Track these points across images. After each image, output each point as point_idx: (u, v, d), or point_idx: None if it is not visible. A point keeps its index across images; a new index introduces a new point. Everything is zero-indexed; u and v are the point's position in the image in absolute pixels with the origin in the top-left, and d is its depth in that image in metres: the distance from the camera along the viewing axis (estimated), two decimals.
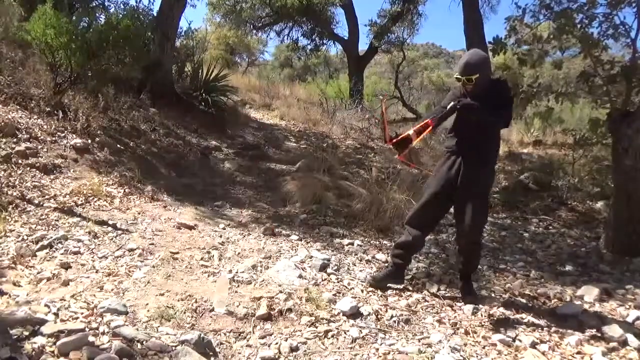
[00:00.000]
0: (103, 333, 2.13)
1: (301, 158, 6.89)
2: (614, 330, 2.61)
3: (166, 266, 3.10)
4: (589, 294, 3.21)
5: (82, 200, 4.04)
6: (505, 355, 2.40)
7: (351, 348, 2.35)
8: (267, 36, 17.80)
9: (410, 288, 3.21)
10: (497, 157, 3.09)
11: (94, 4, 8.72)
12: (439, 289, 3.21)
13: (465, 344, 2.46)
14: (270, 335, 2.42)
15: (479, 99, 2.81)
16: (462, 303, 2.99)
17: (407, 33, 15.14)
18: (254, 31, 16.62)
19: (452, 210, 3.11)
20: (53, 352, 1.93)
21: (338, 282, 3.15)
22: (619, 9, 4.47)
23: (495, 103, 2.77)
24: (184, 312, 2.51)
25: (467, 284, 3.11)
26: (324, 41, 16.07)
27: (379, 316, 2.70)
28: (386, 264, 3.46)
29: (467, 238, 2.96)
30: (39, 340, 1.96)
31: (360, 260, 3.63)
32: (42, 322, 2.10)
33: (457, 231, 3.11)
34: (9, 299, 2.36)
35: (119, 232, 3.57)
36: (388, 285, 3.13)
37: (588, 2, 4.47)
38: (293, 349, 2.29)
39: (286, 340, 2.35)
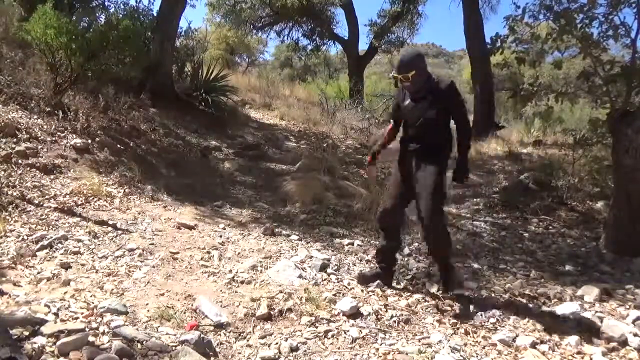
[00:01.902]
0: (103, 333, 2.13)
1: (301, 158, 6.88)
2: (614, 330, 2.61)
3: (166, 266, 3.11)
4: (589, 294, 3.20)
5: (82, 200, 4.04)
6: (505, 355, 2.40)
7: (351, 348, 2.35)
8: (267, 36, 17.83)
9: (410, 288, 3.21)
10: (450, 151, 3.04)
11: (94, 4, 8.73)
12: (439, 289, 3.20)
13: (465, 344, 2.46)
14: (270, 335, 2.42)
15: (420, 96, 2.88)
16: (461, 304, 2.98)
17: (407, 33, 15.17)
18: (254, 31, 16.62)
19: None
20: (53, 352, 1.92)
21: (338, 282, 3.15)
22: (619, 10, 4.47)
23: (445, 106, 2.85)
24: (184, 312, 2.51)
25: (446, 275, 3.05)
26: (324, 41, 16.08)
27: (379, 316, 2.69)
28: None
29: (426, 221, 2.88)
30: (39, 340, 1.96)
31: (360, 260, 3.63)
32: (42, 322, 2.10)
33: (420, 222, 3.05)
34: (9, 299, 2.36)
35: (119, 232, 3.57)
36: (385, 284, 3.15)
37: (588, 2, 4.46)
38: (293, 349, 2.29)
39: (286, 340, 2.35)
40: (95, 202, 4.11)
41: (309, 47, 16.31)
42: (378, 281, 3.13)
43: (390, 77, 2.98)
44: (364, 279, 3.15)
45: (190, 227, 3.97)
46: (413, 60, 2.83)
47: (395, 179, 3.11)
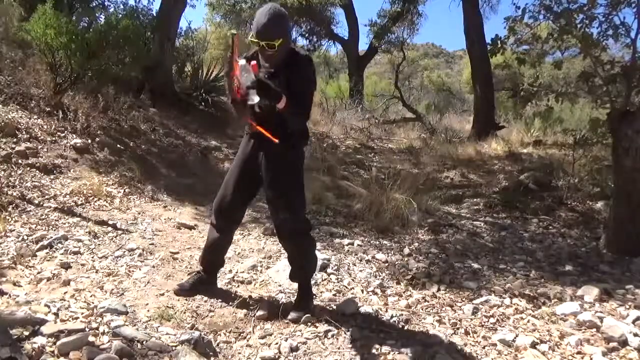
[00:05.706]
0: (103, 333, 2.13)
1: None
2: (614, 330, 2.61)
3: (166, 266, 3.11)
4: (589, 294, 3.20)
5: (82, 200, 4.05)
6: (505, 355, 2.40)
7: (351, 348, 2.35)
8: None
9: (411, 288, 3.21)
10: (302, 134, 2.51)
11: (94, 4, 8.73)
12: (439, 289, 3.20)
13: (465, 344, 2.46)
14: (270, 335, 2.42)
15: (278, 72, 2.26)
16: (462, 303, 2.98)
17: (407, 33, 15.22)
18: None
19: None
20: (53, 352, 1.92)
21: (338, 282, 3.15)
22: (619, 9, 4.47)
23: (294, 83, 2.22)
24: (184, 312, 2.51)
25: (301, 291, 2.66)
26: (323, 42, 16.11)
27: (379, 316, 2.70)
28: (387, 263, 3.45)
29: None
30: (39, 340, 1.96)
31: (360, 260, 3.63)
32: (42, 322, 2.10)
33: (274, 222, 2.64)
34: (9, 299, 2.36)
35: (119, 232, 3.57)
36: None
37: (588, 2, 4.46)
38: (293, 349, 2.28)
39: (286, 340, 2.35)
40: (95, 202, 4.11)
41: (306, 47, 16.32)
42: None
43: (248, 41, 2.29)
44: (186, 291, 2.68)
45: (190, 227, 3.97)
46: (282, 25, 2.14)
47: (237, 166, 2.51)
